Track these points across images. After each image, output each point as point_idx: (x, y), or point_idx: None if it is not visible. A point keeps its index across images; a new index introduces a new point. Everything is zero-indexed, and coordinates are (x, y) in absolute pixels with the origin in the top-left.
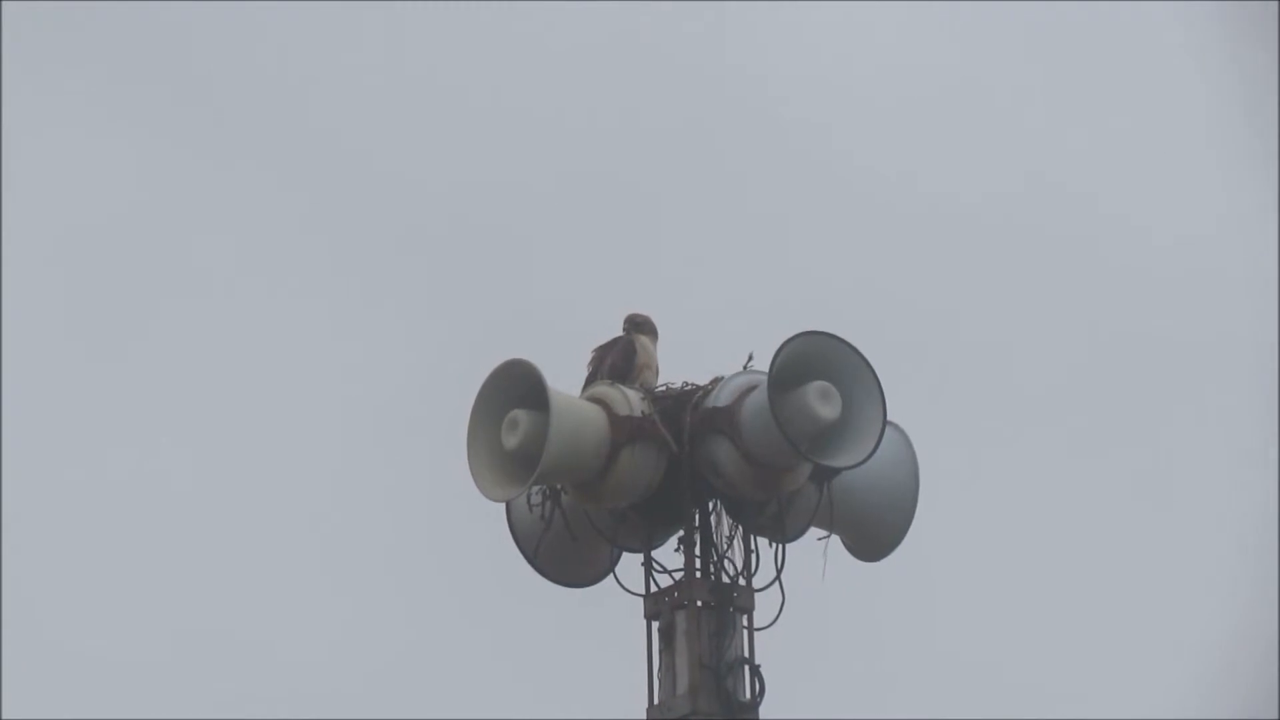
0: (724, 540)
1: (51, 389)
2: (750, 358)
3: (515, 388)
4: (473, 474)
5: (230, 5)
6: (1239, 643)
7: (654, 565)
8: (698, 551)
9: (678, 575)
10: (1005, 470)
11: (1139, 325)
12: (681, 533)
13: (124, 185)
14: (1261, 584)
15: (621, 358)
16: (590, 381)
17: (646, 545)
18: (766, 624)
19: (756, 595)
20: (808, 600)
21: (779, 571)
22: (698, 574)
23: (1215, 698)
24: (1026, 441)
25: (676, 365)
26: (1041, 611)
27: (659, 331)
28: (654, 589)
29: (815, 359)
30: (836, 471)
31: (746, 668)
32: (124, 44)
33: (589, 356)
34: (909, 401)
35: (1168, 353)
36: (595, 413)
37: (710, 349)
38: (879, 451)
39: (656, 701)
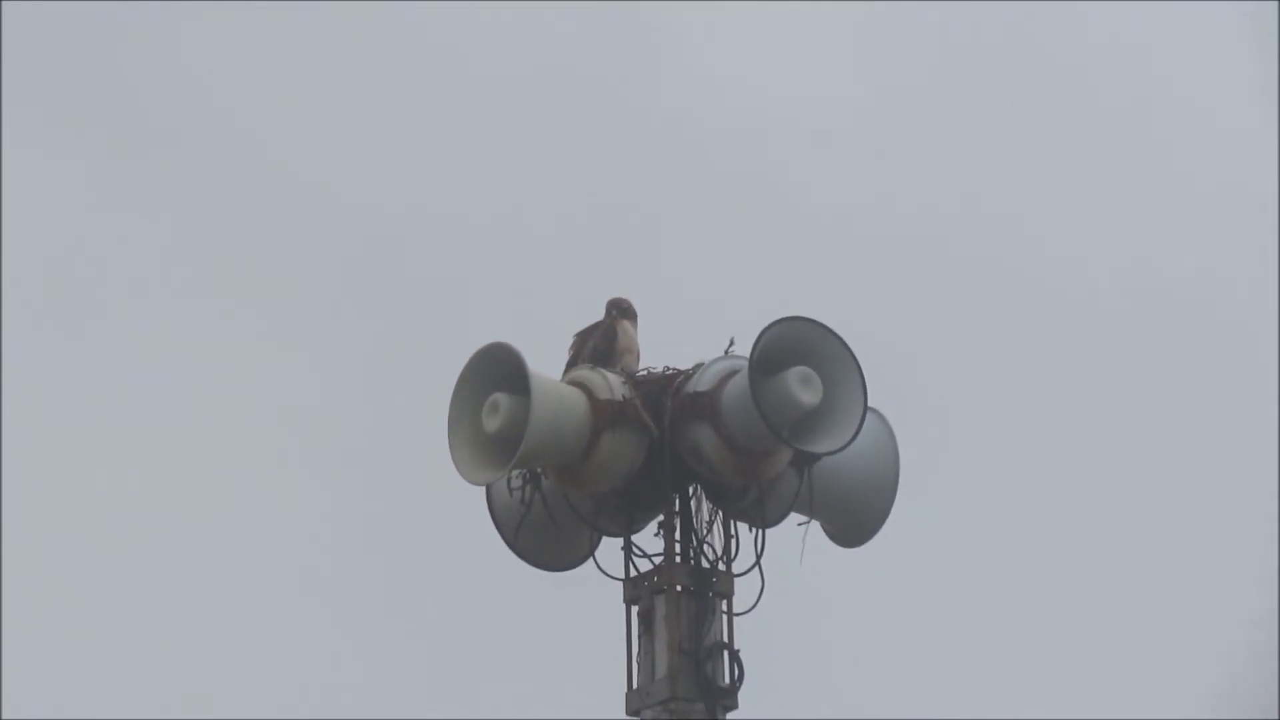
0: (704, 525)
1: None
2: (731, 343)
3: (497, 371)
4: (453, 457)
5: (151, 29)
6: (1237, 673)
7: (634, 550)
8: (678, 536)
9: (657, 560)
10: (988, 470)
11: (1086, 343)
12: (661, 517)
13: (35, 216)
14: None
15: (603, 341)
16: (571, 365)
17: (626, 530)
18: (746, 609)
19: (736, 580)
20: (788, 585)
21: (759, 557)
22: (677, 559)
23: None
24: (1006, 439)
25: (658, 350)
26: (1023, 599)
27: (639, 316)
28: (633, 573)
29: (797, 344)
30: (817, 457)
31: (726, 653)
32: (31, 74)
33: (570, 341)
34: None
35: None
36: (576, 396)
37: (692, 334)
38: (860, 437)
39: (635, 686)
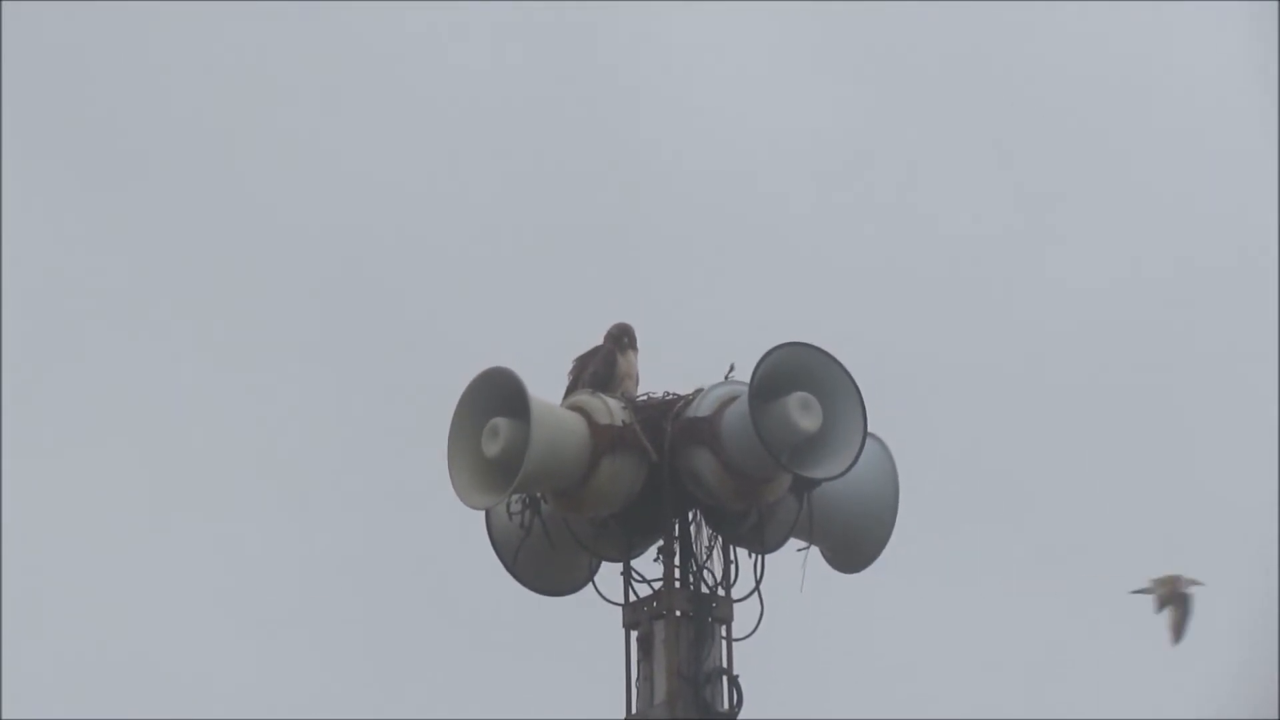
0: (703, 550)
1: None
2: (731, 368)
3: (496, 395)
4: (453, 481)
5: (132, 56)
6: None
7: (633, 575)
8: (677, 561)
9: (657, 585)
10: (988, 493)
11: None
12: (661, 542)
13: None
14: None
15: (603, 366)
16: (571, 390)
17: (626, 554)
18: (745, 634)
19: (735, 606)
20: (787, 611)
21: (758, 582)
22: (677, 584)
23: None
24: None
25: (658, 375)
26: (1022, 619)
27: (639, 342)
28: (633, 598)
29: (797, 370)
30: (816, 483)
31: (724, 678)
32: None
33: (570, 365)
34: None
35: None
36: (576, 421)
37: (692, 359)
38: (860, 463)
39: (634, 711)
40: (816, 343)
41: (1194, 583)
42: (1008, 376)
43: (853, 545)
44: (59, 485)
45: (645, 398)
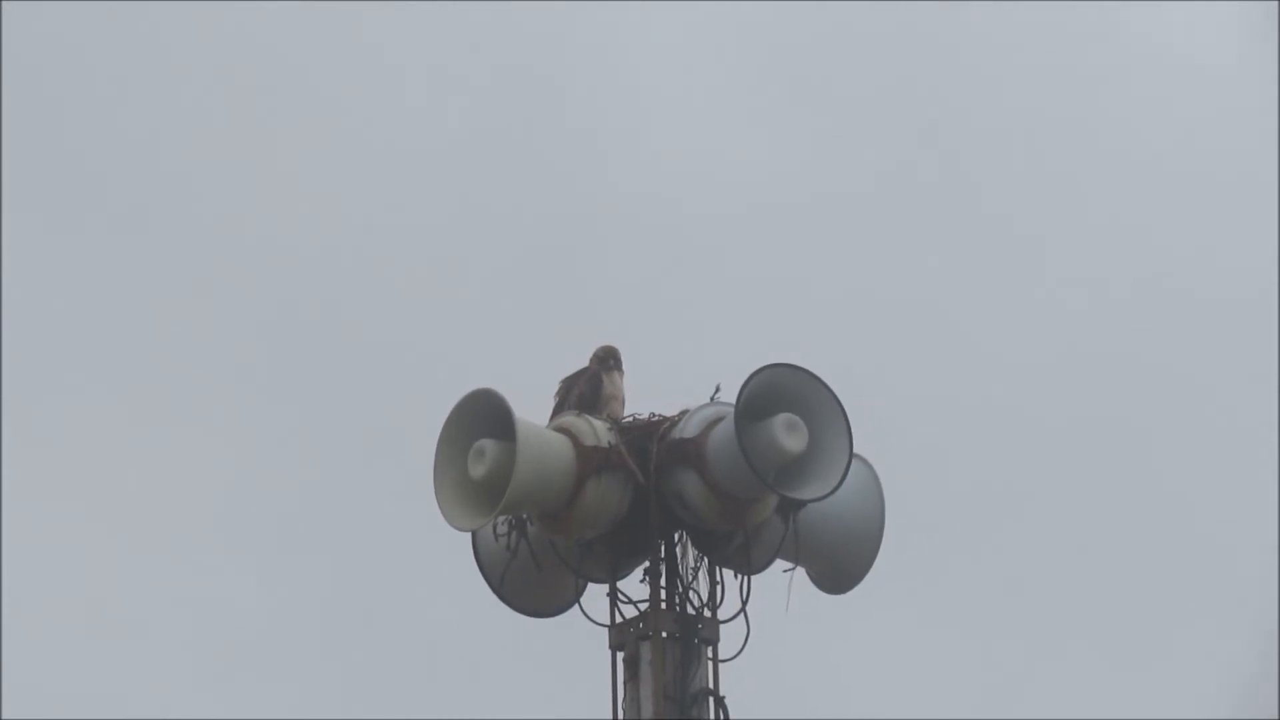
0: (689, 571)
1: None
2: (718, 389)
3: (482, 417)
4: (439, 503)
5: (102, 91)
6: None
7: (619, 596)
8: (663, 582)
9: (643, 606)
10: (976, 514)
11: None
12: (647, 563)
13: None
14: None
15: (589, 388)
16: (557, 412)
17: (612, 576)
18: (731, 655)
19: (722, 627)
20: (773, 632)
21: (744, 603)
22: (663, 605)
23: None
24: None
25: (644, 396)
26: (1012, 642)
27: (625, 363)
28: (619, 620)
29: (782, 391)
30: (802, 504)
31: (711, 699)
32: None
33: (556, 387)
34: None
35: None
36: (562, 443)
37: (678, 381)
38: (845, 484)
39: None
40: (801, 365)
41: None
42: (995, 398)
43: (839, 566)
44: (31, 519)
45: (631, 419)
